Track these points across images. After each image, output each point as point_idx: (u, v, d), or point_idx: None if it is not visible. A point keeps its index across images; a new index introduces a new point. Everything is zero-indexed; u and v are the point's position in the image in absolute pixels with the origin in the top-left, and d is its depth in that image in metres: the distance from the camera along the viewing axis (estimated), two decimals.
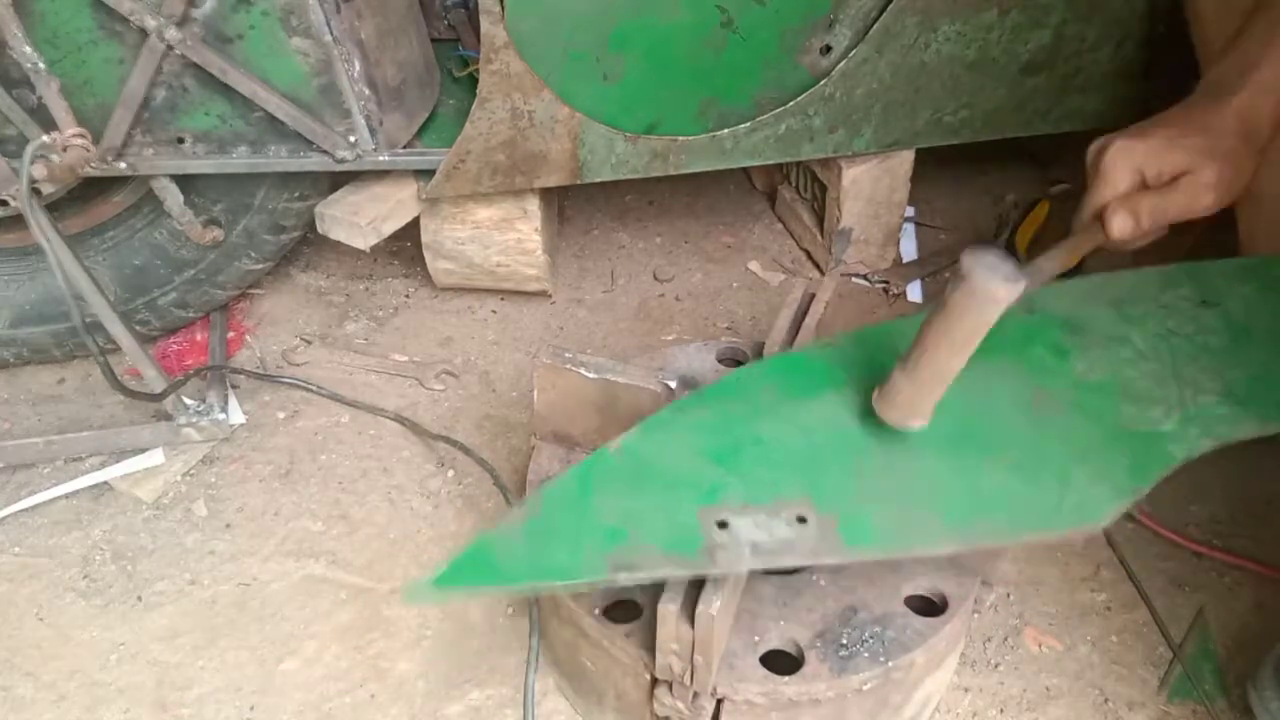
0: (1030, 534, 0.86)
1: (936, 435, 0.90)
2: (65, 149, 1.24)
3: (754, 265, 1.72)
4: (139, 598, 1.23)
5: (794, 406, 0.94)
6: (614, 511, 0.84)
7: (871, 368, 0.97)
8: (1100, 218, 1.05)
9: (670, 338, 1.59)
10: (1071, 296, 1.06)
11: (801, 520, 0.84)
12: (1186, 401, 0.94)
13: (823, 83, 1.40)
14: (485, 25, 1.25)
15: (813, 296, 1.18)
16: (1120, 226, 1.03)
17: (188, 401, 1.39)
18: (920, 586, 1.00)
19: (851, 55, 1.38)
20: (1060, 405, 0.95)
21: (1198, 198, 1.02)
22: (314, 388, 1.49)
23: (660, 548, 0.81)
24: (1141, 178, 1.05)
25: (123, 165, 1.31)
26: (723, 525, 0.83)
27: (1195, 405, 0.94)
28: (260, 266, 1.52)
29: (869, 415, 0.90)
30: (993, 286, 0.75)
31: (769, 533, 0.83)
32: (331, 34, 1.23)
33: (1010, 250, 1.67)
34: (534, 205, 1.48)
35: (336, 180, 1.46)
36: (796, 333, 1.14)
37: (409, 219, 1.47)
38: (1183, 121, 1.07)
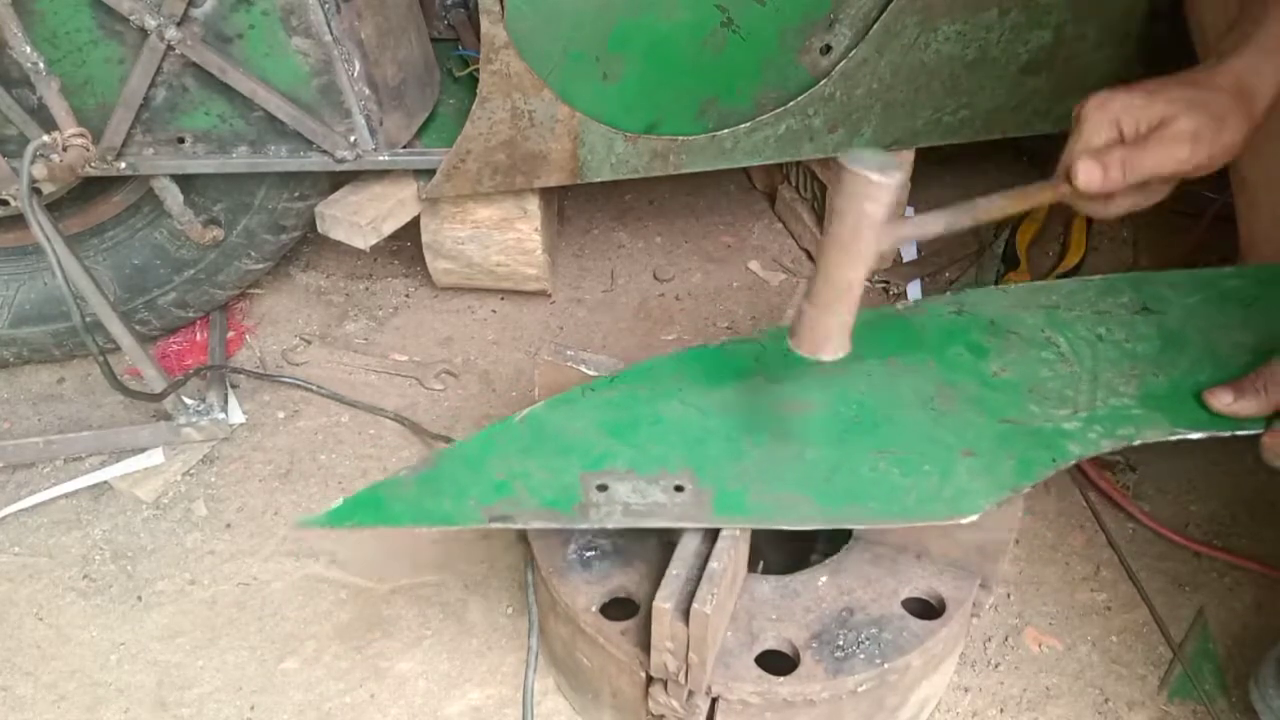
0: (900, 521, 0.90)
1: (827, 425, 0.96)
2: (65, 149, 1.24)
3: (754, 265, 1.71)
4: (139, 598, 1.24)
5: (697, 392, 1.01)
6: (505, 469, 0.93)
7: (784, 362, 1.03)
8: (1068, 171, 0.98)
9: (670, 338, 1.59)
10: (1006, 300, 1.08)
11: (679, 489, 0.92)
12: (1096, 403, 0.95)
13: (823, 82, 1.40)
14: (485, 25, 1.25)
15: None
16: (1086, 176, 0.95)
17: (188, 401, 1.39)
18: (918, 589, 0.99)
19: (851, 55, 1.38)
20: (962, 401, 0.98)
21: (1174, 149, 0.94)
22: (314, 387, 1.49)
23: (539, 503, 0.90)
24: (1119, 131, 0.98)
25: (123, 165, 1.31)
26: (602, 488, 0.91)
27: (1104, 406, 0.95)
28: (260, 266, 1.52)
29: (767, 403, 0.96)
30: (866, 173, 0.76)
31: (643, 496, 0.91)
32: (331, 33, 1.23)
33: (1010, 250, 1.67)
34: (534, 205, 1.48)
35: (336, 180, 1.45)
36: None
37: (409, 219, 1.47)
38: (1173, 79, 0.99)
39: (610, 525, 0.89)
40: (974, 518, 0.88)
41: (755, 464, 0.94)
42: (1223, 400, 0.94)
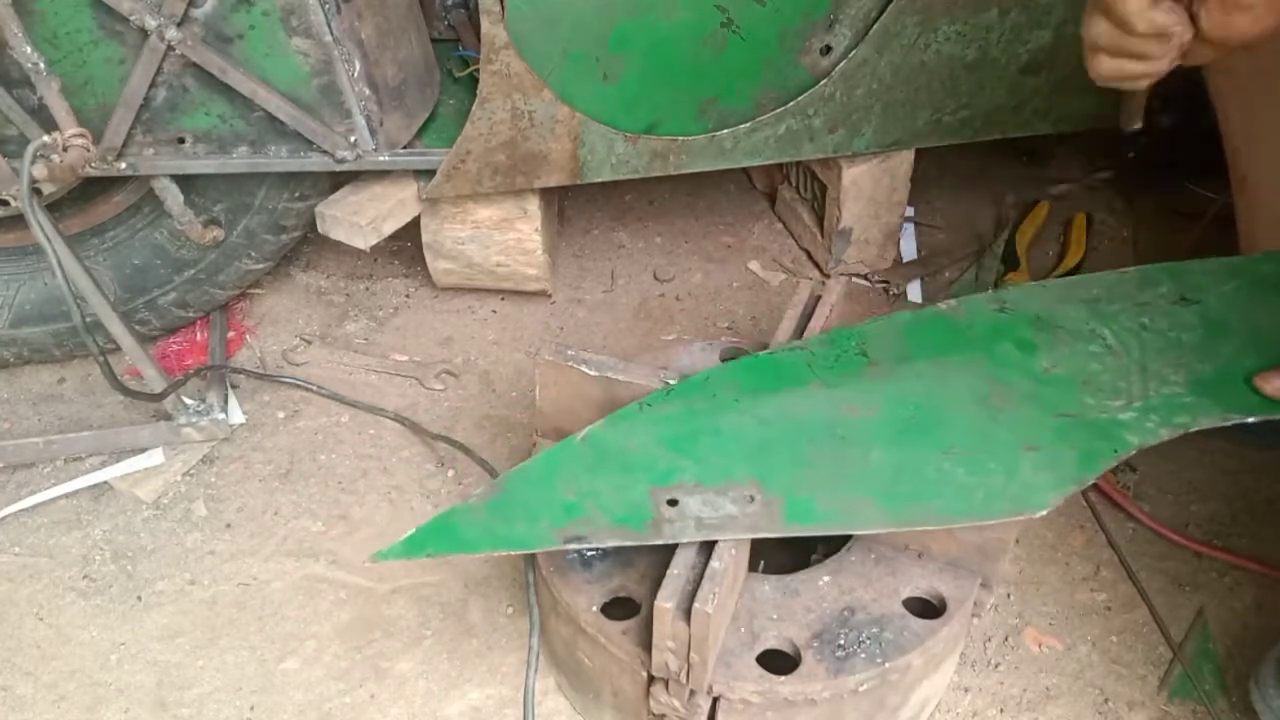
0: (969, 520, 0.91)
1: (886, 428, 0.96)
2: (66, 149, 1.24)
3: (754, 265, 1.71)
4: (139, 598, 1.24)
5: (755, 401, 1.01)
6: (573, 490, 0.93)
7: (835, 367, 1.02)
8: None
9: (670, 338, 1.59)
10: (1047, 295, 1.08)
11: (749, 500, 0.92)
12: (1149, 392, 0.96)
13: (823, 83, 1.40)
14: (486, 25, 1.25)
15: (818, 299, 1.18)
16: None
17: (188, 401, 1.39)
18: (919, 589, 1.00)
19: (851, 55, 1.38)
20: (1017, 398, 0.98)
21: None
22: (314, 388, 1.49)
23: (611, 521, 0.90)
24: None
25: (123, 165, 1.31)
26: (673, 503, 0.91)
27: (1157, 396, 0.96)
28: (260, 266, 1.52)
29: (824, 408, 0.96)
30: None
31: (715, 509, 0.91)
32: (331, 34, 1.23)
33: (1010, 250, 1.67)
34: (534, 205, 1.48)
35: (337, 180, 1.46)
36: (801, 334, 1.14)
37: (409, 219, 1.47)
38: None
39: (685, 540, 0.89)
40: (1043, 513, 0.89)
41: (820, 470, 0.94)
42: (1274, 384, 0.94)
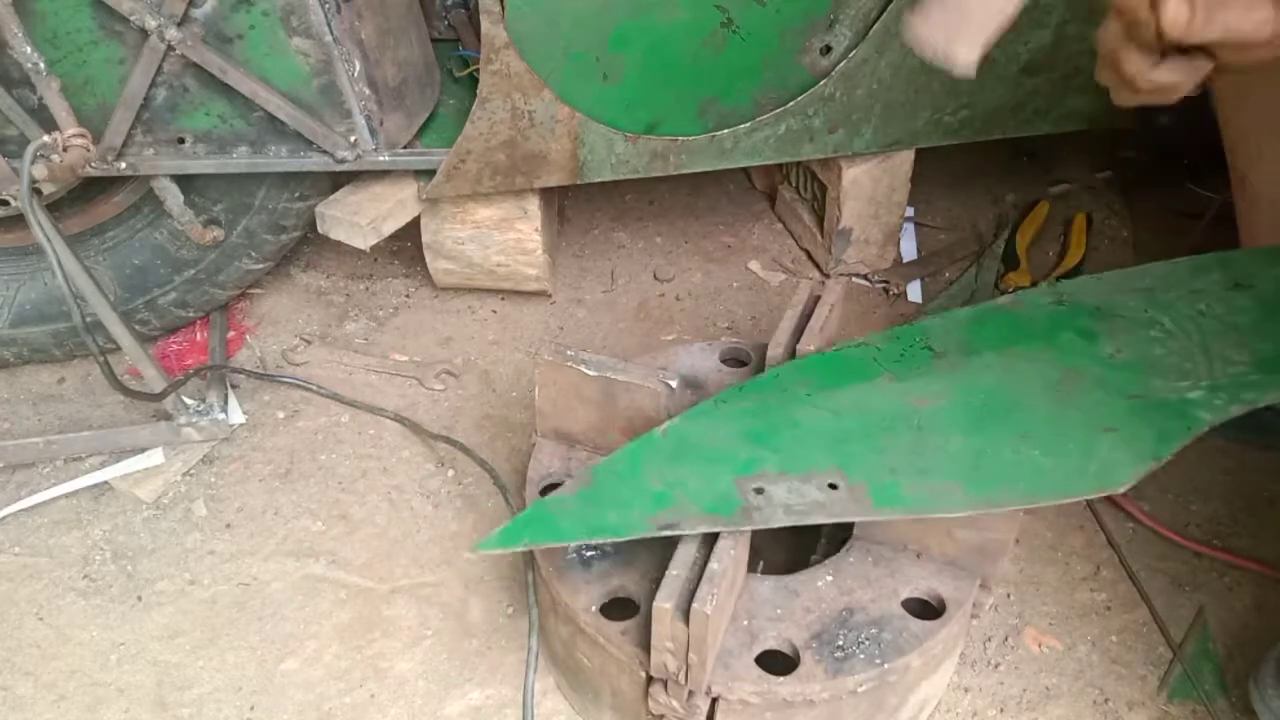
0: (1051, 499, 0.92)
1: (961, 416, 0.98)
2: (66, 149, 1.24)
3: (754, 265, 1.71)
4: (139, 597, 1.24)
5: (827, 395, 1.03)
6: (660, 480, 0.95)
7: (902, 361, 1.05)
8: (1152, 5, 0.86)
9: (670, 338, 1.59)
10: (1102, 287, 1.10)
11: (833, 487, 0.93)
12: (1215, 373, 0.97)
13: (823, 83, 1.40)
14: (486, 25, 1.25)
15: (817, 299, 1.18)
16: (1175, 11, 0.86)
17: (188, 401, 1.39)
18: (918, 589, 1.00)
19: (851, 55, 1.38)
20: (1088, 383, 0.99)
21: (1255, 7, 0.86)
22: (314, 387, 1.49)
23: (701, 509, 0.91)
24: None
25: (123, 165, 1.31)
26: (759, 491, 0.92)
27: (1224, 375, 0.97)
28: (260, 266, 1.52)
29: (896, 400, 0.97)
30: None
31: (801, 496, 0.92)
32: (332, 34, 1.23)
33: (1010, 250, 1.67)
34: (534, 205, 1.48)
35: (337, 180, 1.46)
36: (800, 334, 1.14)
37: (409, 219, 1.47)
38: None
39: (774, 525, 0.91)
40: (1122, 489, 0.90)
41: (900, 457, 0.96)
42: None
